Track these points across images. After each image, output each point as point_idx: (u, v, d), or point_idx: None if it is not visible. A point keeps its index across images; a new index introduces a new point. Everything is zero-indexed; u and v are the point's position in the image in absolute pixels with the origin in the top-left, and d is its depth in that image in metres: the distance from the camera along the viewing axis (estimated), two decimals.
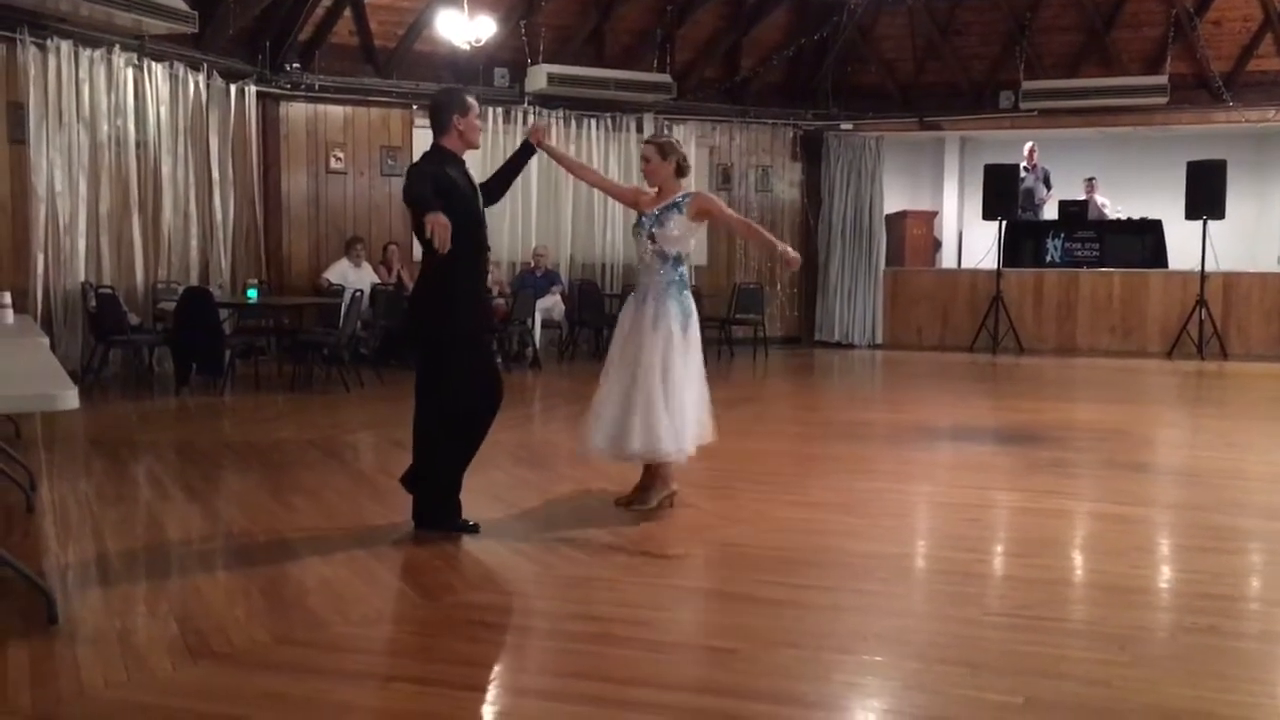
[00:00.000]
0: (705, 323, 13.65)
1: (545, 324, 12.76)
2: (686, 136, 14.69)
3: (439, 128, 4.98)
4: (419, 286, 4.98)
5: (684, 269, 5.44)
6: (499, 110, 13.50)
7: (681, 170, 5.43)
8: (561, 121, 13.97)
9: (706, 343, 15.80)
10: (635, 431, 5.21)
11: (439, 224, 4.47)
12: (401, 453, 7.16)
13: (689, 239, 5.42)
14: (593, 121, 14.19)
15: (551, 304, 12.90)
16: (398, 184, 13.28)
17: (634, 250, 5.54)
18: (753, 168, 15.45)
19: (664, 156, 5.38)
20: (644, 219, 5.43)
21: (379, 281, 12.06)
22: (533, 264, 13.16)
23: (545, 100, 13.76)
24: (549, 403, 10.63)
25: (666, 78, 14.20)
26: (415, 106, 13.09)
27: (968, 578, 4.46)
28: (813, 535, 5.04)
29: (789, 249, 5.30)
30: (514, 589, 4.29)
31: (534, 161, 14.54)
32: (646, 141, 5.54)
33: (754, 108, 15.24)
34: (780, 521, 5.28)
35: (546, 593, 4.20)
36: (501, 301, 12.26)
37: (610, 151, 14.29)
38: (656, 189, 5.46)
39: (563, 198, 13.97)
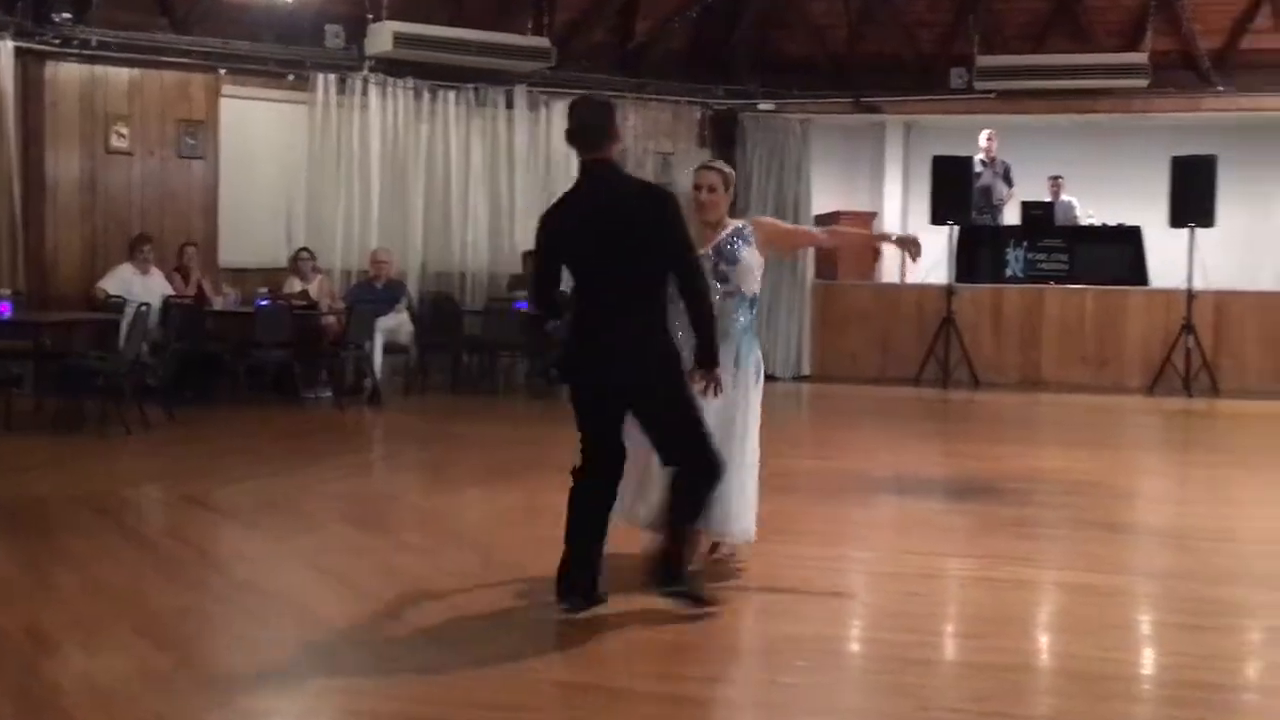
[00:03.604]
0: None
1: (388, 348, 12.64)
2: (568, 114, 14.69)
3: (608, 137, 5.03)
4: (643, 325, 4.96)
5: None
6: (331, 78, 13.38)
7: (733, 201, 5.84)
8: (411, 95, 13.90)
9: None
10: (739, 509, 5.54)
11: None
12: (201, 513, 7.05)
13: (758, 274, 5.77)
14: (451, 95, 14.13)
15: (396, 323, 12.78)
16: (198, 168, 13.20)
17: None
18: (651, 154, 15.53)
19: (727, 187, 5.75)
20: (703, 258, 5.51)
21: (172, 293, 11.82)
22: (372, 273, 13.03)
23: (390, 66, 13.67)
24: (392, 447, 10.55)
25: (544, 42, 14.24)
26: (223, 71, 12.89)
27: (908, 665, 4.52)
28: (722, 614, 5.07)
29: (898, 233, 5.56)
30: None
31: (374, 142, 14.47)
32: (709, 167, 5.81)
33: (653, 81, 15.35)
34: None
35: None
36: (332, 320, 12.12)
37: (472, 133, 14.26)
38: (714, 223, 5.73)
39: (411, 190, 13.86)
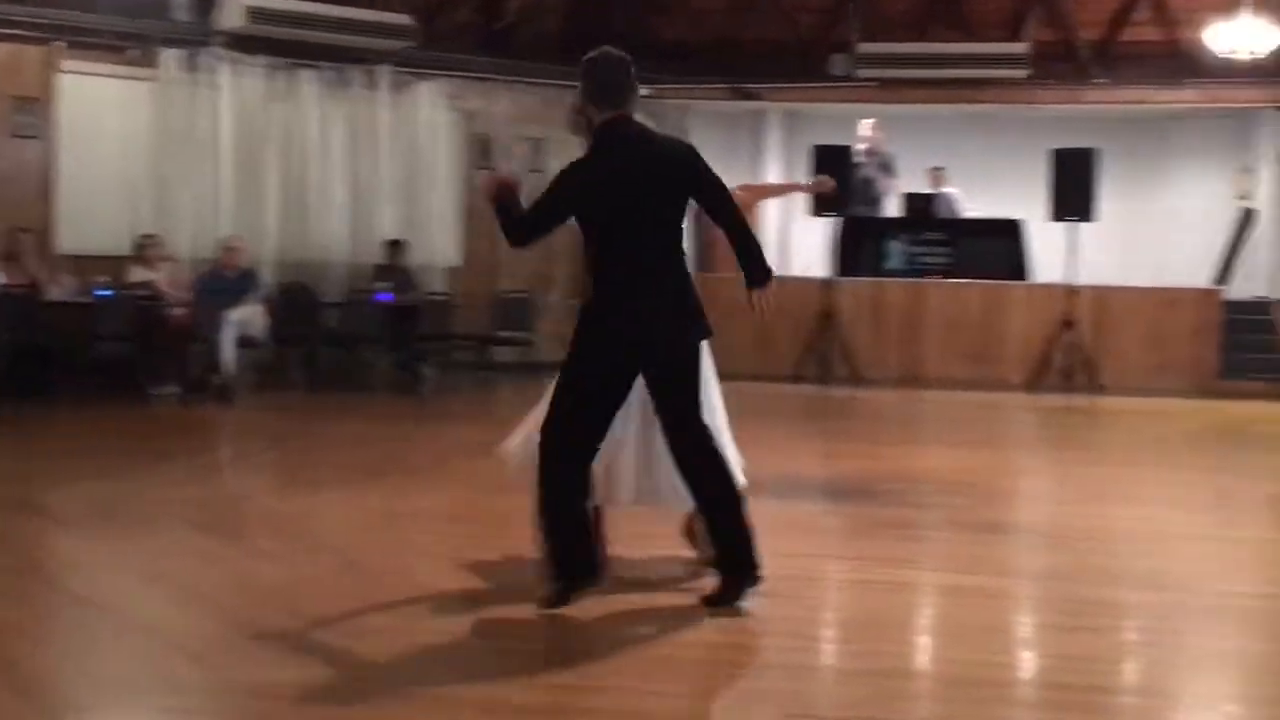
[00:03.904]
0: (460, 341, 13.80)
1: (240, 341, 12.39)
2: (434, 97, 14.61)
3: (632, 90, 5.13)
4: (681, 281, 5.12)
5: None
6: (178, 54, 13.07)
7: None
8: (265, 73, 13.64)
9: (459, 366, 15.66)
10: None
11: None
12: (33, 520, 6.82)
13: None
14: (308, 75, 13.92)
15: (248, 315, 12.53)
16: (33, 149, 12.76)
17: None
18: (520, 140, 15.46)
19: None
20: None
21: (3, 281, 11.47)
22: (223, 261, 12.76)
23: (243, 42, 13.42)
24: (244, 447, 10.34)
25: (406, 19, 14.10)
26: (60, 44, 12.51)
27: (779, 670, 4.54)
28: (583, 623, 5.04)
29: (809, 179, 5.58)
30: None
31: (226, 123, 14.15)
32: None
33: (524, 63, 15.28)
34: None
35: None
36: (180, 311, 11.87)
37: (332, 115, 14.04)
38: None
39: (266, 174, 13.63)
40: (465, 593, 5.43)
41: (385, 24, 13.98)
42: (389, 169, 14.29)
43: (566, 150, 16.72)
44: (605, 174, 5.02)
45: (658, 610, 5.24)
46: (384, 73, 14.30)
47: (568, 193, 5.07)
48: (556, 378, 5.14)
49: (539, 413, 5.42)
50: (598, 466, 5.24)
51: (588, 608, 5.10)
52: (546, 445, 5.05)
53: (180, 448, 9.59)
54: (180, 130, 13.16)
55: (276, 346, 13.04)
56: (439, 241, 14.61)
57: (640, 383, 5.16)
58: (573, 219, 5.10)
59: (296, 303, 13.26)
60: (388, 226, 14.16)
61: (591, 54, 5.20)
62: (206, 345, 11.94)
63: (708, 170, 5.10)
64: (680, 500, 5.34)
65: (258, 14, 13.15)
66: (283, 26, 13.39)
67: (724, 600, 5.09)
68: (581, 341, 5.06)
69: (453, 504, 7.54)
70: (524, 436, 5.61)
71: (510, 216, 5.10)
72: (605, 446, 5.19)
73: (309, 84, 13.96)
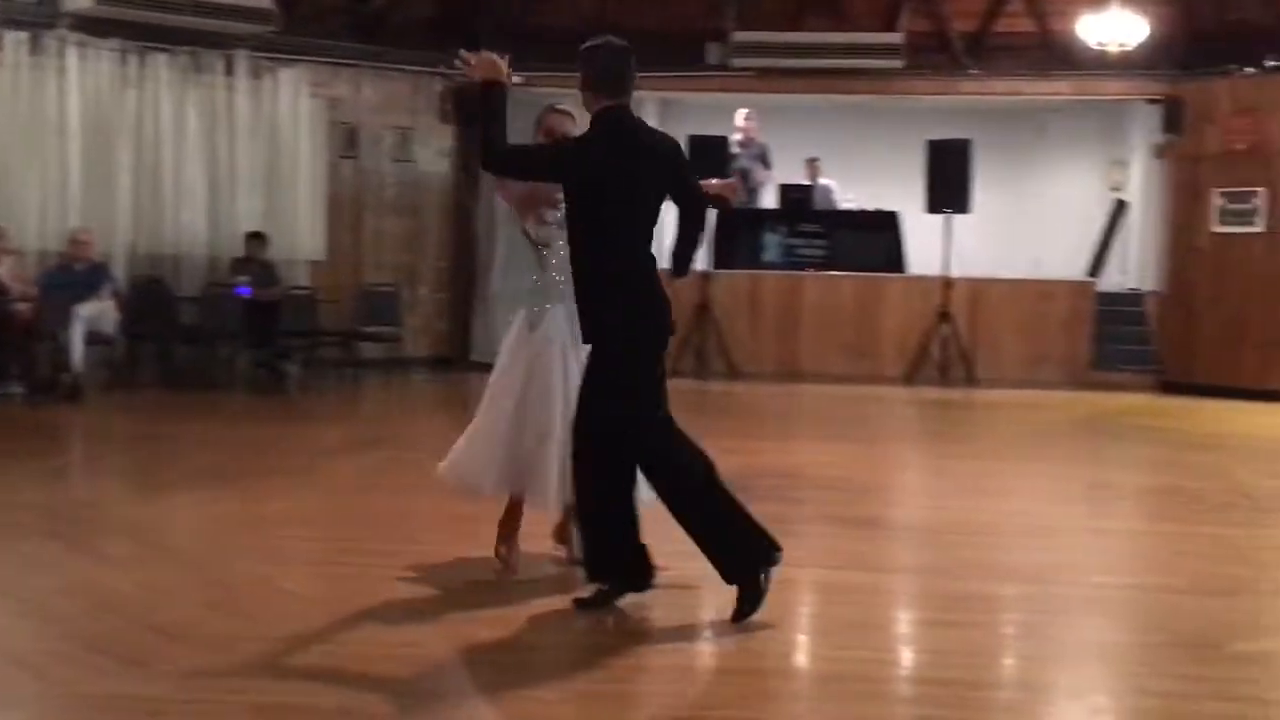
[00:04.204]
0: (324, 336, 13.62)
1: (89, 338, 12.12)
2: (297, 84, 14.40)
3: (632, 81, 5.20)
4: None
5: None
6: (22, 36, 12.76)
7: None
8: (117, 57, 13.34)
9: (324, 363, 15.45)
10: None
11: None
12: None
13: None
14: (162, 59, 13.66)
15: (98, 311, 12.26)
16: None
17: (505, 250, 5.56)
18: (388, 129, 15.34)
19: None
20: (558, 219, 5.53)
21: None
22: (71, 254, 12.48)
23: (92, 25, 13.13)
24: (93, 449, 10.11)
25: (267, 2, 13.89)
26: None
27: (644, 673, 4.57)
28: (449, 623, 5.02)
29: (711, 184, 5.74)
30: None
31: (74, 110, 13.84)
32: (565, 112, 5.67)
33: (391, 50, 15.15)
34: (409, 606, 5.22)
35: None
36: (24, 307, 11.62)
37: (187, 101, 13.77)
38: None
39: (117, 163, 13.35)
40: (325, 600, 5.35)
41: (245, 7, 13.74)
42: (249, 158, 14.07)
43: (437, 140, 16.60)
44: (605, 157, 5.05)
45: (528, 612, 5.22)
46: (243, 58, 14.06)
47: (567, 157, 5.15)
48: (595, 384, 5.11)
49: (482, 423, 5.60)
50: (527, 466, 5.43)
51: (450, 613, 5.07)
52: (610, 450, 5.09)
53: (25, 450, 9.33)
54: (25, 117, 12.83)
55: (129, 343, 12.81)
56: (302, 234, 14.40)
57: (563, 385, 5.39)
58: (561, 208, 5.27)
59: (150, 297, 13.05)
60: (247, 218, 13.94)
61: (594, 41, 5.22)
62: (54, 342, 11.71)
63: (687, 165, 5.35)
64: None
65: None
66: (135, 8, 13.14)
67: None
68: (616, 339, 5.08)
69: (315, 507, 7.44)
70: (466, 451, 5.68)
71: (498, 126, 5.05)
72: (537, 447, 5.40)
73: (163, 69, 13.69)
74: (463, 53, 5.13)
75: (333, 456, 9.37)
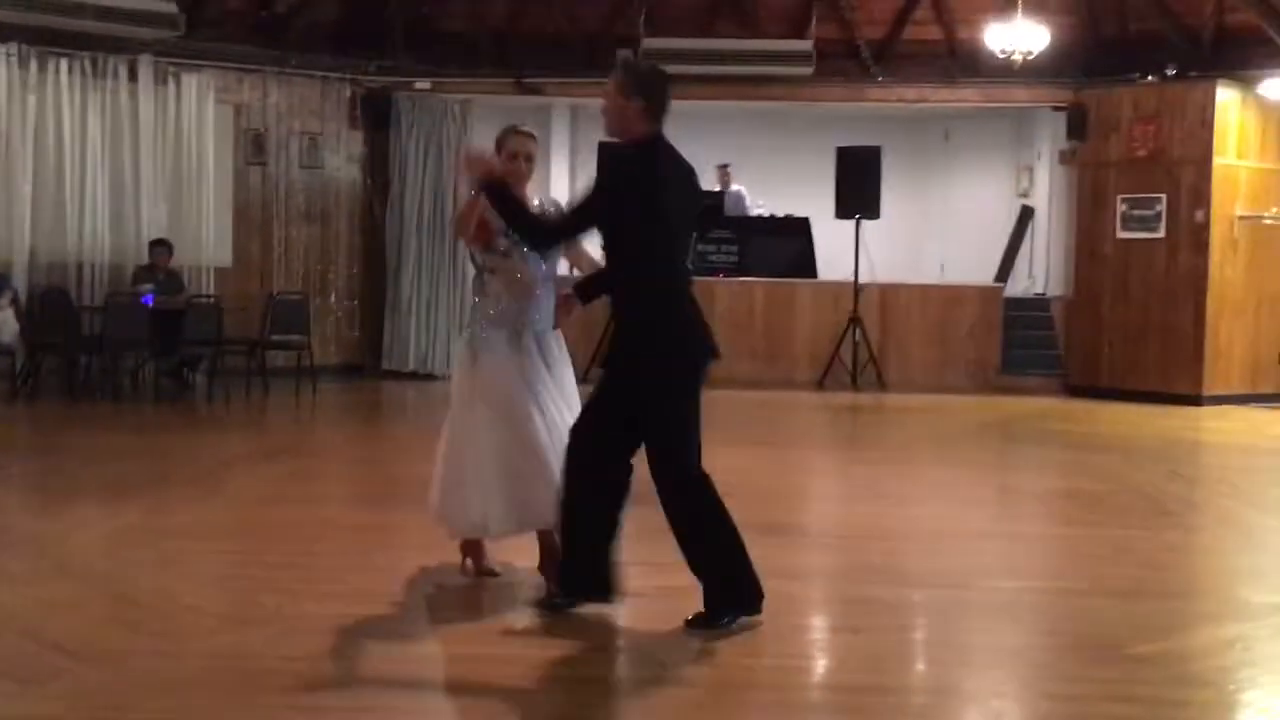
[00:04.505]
0: (230, 345, 13.46)
1: None
2: (203, 89, 14.21)
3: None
4: None
5: None
6: None
7: None
8: (15, 62, 13.08)
9: (230, 372, 15.23)
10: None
11: None
12: None
13: None
14: (64, 64, 13.42)
15: None
16: None
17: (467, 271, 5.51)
18: (296, 135, 15.18)
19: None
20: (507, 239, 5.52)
21: None
22: None
23: None
24: None
25: (171, 6, 13.70)
26: None
27: (557, 685, 4.56)
28: (351, 636, 4.97)
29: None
30: None
31: None
32: (527, 134, 5.69)
33: (298, 54, 15.00)
34: (314, 621, 5.15)
35: None
36: None
37: (89, 107, 13.54)
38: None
39: (16, 169, 13.13)
40: (226, 613, 5.29)
41: (148, 12, 13.55)
42: (153, 165, 13.86)
43: (345, 145, 16.43)
44: (665, 182, 5.17)
45: (433, 623, 5.19)
46: (146, 63, 13.86)
47: (642, 189, 5.12)
48: (663, 412, 5.15)
49: (452, 455, 5.57)
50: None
51: (353, 625, 5.03)
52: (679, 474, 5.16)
53: None
54: None
55: (30, 353, 12.57)
56: (208, 241, 14.22)
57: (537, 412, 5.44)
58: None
59: (52, 306, 12.77)
60: (152, 225, 13.73)
61: (652, 65, 5.45)
62: None
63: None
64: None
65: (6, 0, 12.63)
66: (34, 12, 12.90)
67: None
68: (672, 363, 5.17)
69: (220, 519, 7.33)
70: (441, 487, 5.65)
71: (523, 211, 5.24)
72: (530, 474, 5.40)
73: (64, 74, 13.45)
74: (464, 152, 5.41)
75: (238, 467, 9.25)
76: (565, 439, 5.33)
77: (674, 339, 5.17)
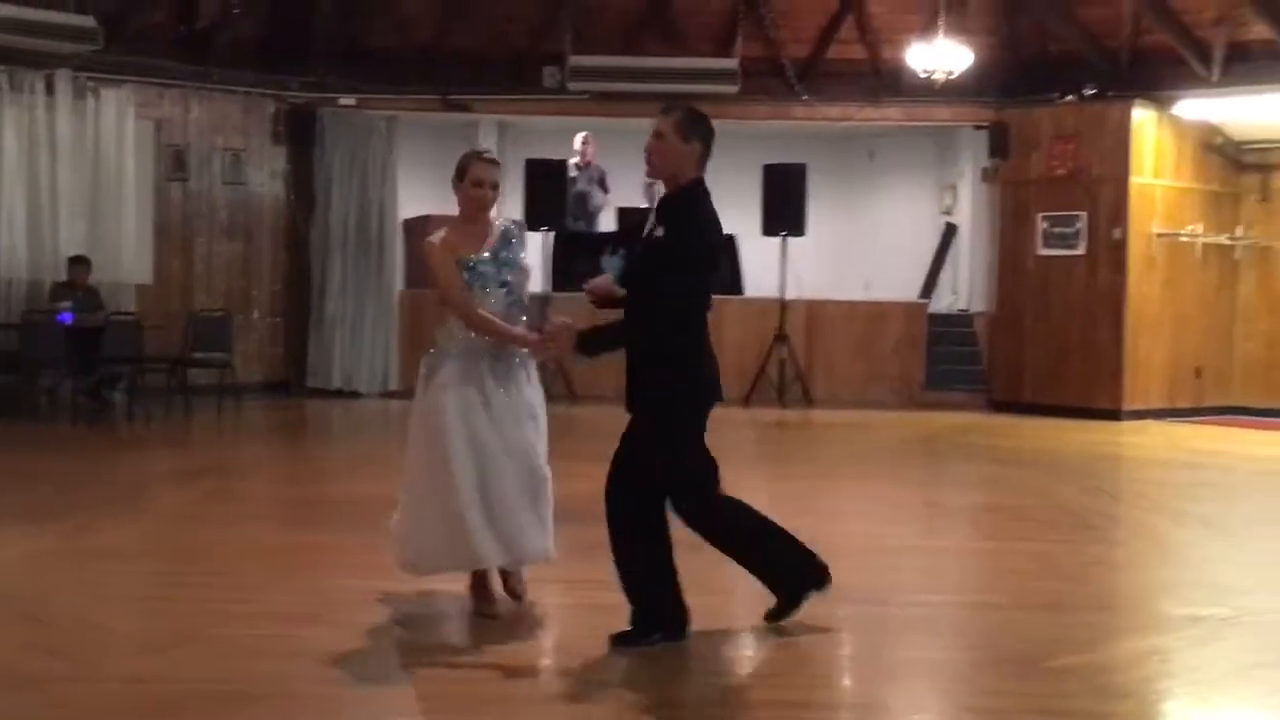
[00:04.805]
0: (151, 363, 13.30)
1: None
2: (123, 104, 14.06)
3: None
4: None
5: None
6: None
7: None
8: None
9: (152, 390, 15.07)
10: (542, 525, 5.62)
11: None
12: None
13: None
14: None
15: None
16: None
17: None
18: (218, 151, 15.06)
19: None
20: (483, 264, 5.49)
21: None
22: None
23: None
24: None
25: (89, 20, 13.54)
26: None
27: (495, 704, 4.54)
28: (275, 657, 4.93)
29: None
30: None
31: None
32: (491, 160, 5.75)
33: (220, 69, 14.88)
34: (231, 643, 5.10)
35: None
36: None
37: (5, 123, 13.34)
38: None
39: None
40: (144, 635, 5.23)
41: (66, 25, 13.37)
42: (71, 180, 13.68)
43: (269, 162, 16.37)
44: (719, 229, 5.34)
45: (352, 645, 5.15)
46: (64, 77, 13.68)
47: (716, 243, 5.39)
48: (660, 447, 5.37)
49: (404, 488, 5.57)
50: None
51: (273, 646, 4.98)
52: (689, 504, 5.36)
53: None
54: None
55: None
56: (128, 258, 14.03)
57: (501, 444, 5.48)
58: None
59: None
60: (70, 242, 13.53)
61: (703, 111, 5.45)
62: None
63: None
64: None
65: None
66: None
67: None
68: (684, 401, 5.39)
69: (142, 540, 7.25)
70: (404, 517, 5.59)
71: (620, 335, 5.43)
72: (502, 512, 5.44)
73: None
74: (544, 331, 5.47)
75: (160, 487, 9.16)
76: (512, 473, 5.48)
77: (702, 384, 5.38)
